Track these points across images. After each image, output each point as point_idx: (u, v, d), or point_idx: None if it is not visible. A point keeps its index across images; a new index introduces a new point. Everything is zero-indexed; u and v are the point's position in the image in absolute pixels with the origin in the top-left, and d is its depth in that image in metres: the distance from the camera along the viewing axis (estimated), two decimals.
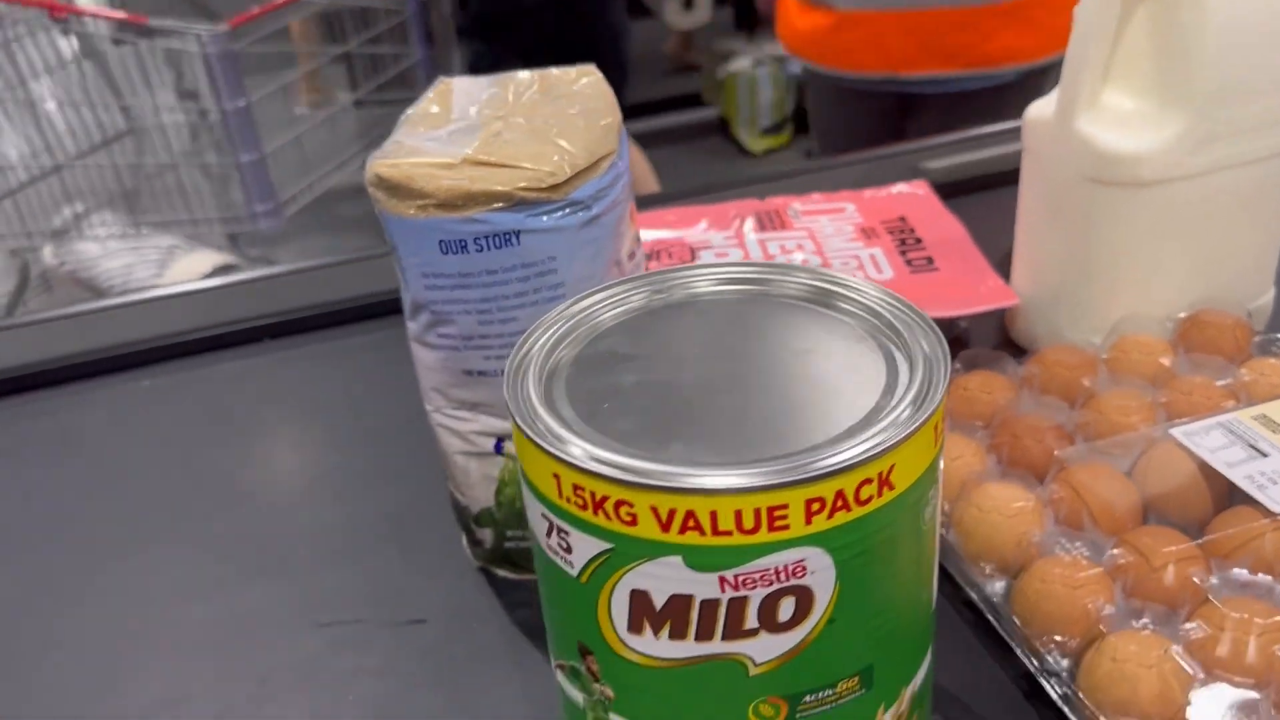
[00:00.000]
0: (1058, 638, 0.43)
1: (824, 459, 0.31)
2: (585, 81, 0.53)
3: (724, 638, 0.34)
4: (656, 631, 0.34)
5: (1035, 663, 0.43)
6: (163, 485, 0.64)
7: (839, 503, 0.32)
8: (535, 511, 0.36)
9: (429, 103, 0.53)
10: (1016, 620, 0.44)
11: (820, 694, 0.35)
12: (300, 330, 0.79)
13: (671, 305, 0.41)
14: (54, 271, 1.71)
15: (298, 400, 0.73)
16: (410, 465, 0.63)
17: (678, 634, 0.34)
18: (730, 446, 0.33)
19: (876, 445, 0.32)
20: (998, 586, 0.46)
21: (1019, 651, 0.44)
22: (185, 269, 1.47)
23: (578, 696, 0.39)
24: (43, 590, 0.57)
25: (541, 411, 0.35)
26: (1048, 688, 0.42)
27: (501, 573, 0.55)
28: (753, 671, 0.34)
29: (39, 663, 0.52)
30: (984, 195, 0.88)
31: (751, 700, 0.35)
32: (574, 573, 0.35)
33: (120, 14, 1.78)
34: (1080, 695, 0.41)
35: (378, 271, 0.77)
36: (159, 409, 0.72)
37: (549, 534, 0.36)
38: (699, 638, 0.34)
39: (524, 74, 0.54)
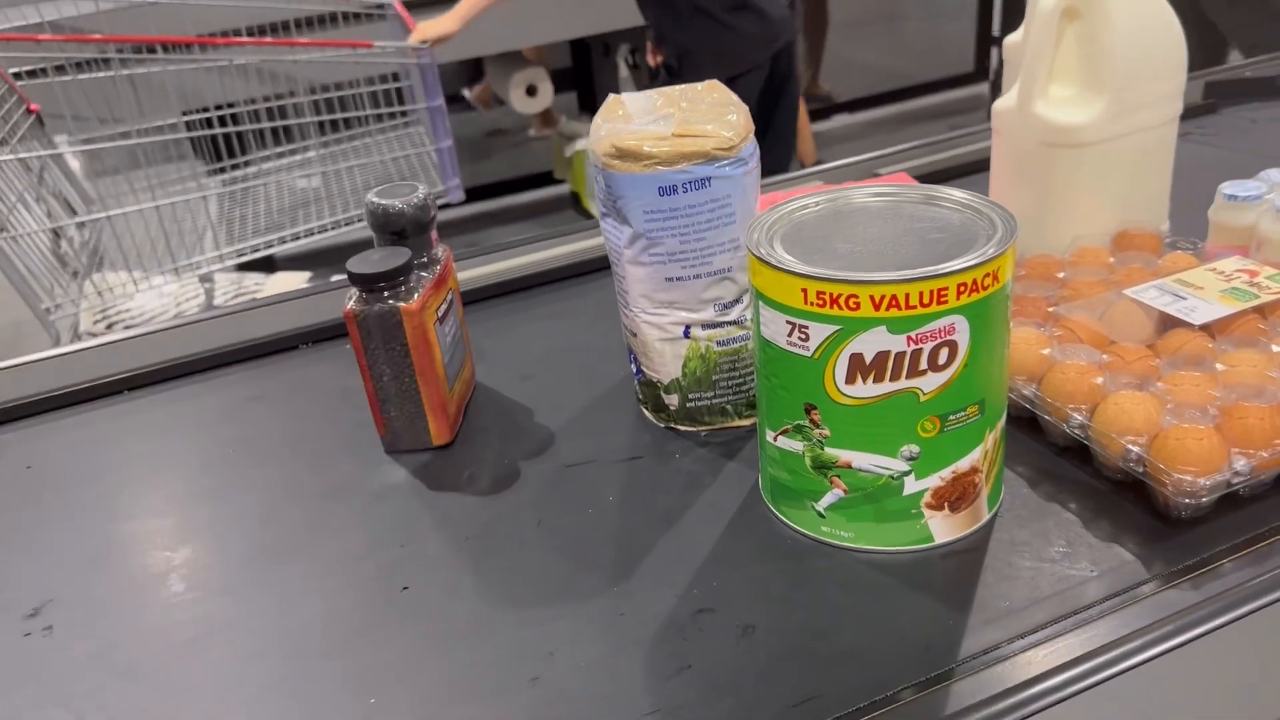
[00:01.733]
0: (1075, 406, 0.68)
1: (965, 262, 0.56)
2: (715, 94, 0.78)
3: (906, 377, 0.58)
4: (865, 380, 0.58)
5: (1064, 424, 0.68)
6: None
7: (972, 286, 0.56)
8: (777, 322, 0.60)
9: (611, 107, 0.77)
10: (1047, 400, 0.69)
11: (958, 414, 0.60)
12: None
13: (840, 208, 0.65)
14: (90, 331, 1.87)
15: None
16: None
17: (878, 379, 0.58)
18: (907, 265, 0.58)
19: (989, 255, 0.57)
20: (1029, 391, 0.71)
21: (1050, 421, 0.69)
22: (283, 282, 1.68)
23: (798, 446, 0.63)
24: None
25: (785, 255, 0.59)
26: (1070, 431, 0.67)
27: (683, 428, 0.78)
28: (922, 399, 0.59)
29: None
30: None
31: (919, 419, 0.59)
32: (809, 354, 0.59)
33: (346, 41, 2.17)
34: (1094, 433, 0.66)
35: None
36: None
37: (790, 334, 0.59)
38: (891, 379, 0.58)
39: (670, 88, 0.79)
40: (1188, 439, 0.62)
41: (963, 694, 0.52)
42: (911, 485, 0.61)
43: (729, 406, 0.77)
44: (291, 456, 0.80)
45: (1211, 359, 0.69)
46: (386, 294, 0.74)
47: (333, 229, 2.14)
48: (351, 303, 0.74)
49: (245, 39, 2.34)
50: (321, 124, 2.35)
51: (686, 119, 0.72)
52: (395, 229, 0.78)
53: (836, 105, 4.17)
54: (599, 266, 1.06)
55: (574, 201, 3.68)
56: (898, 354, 0.57)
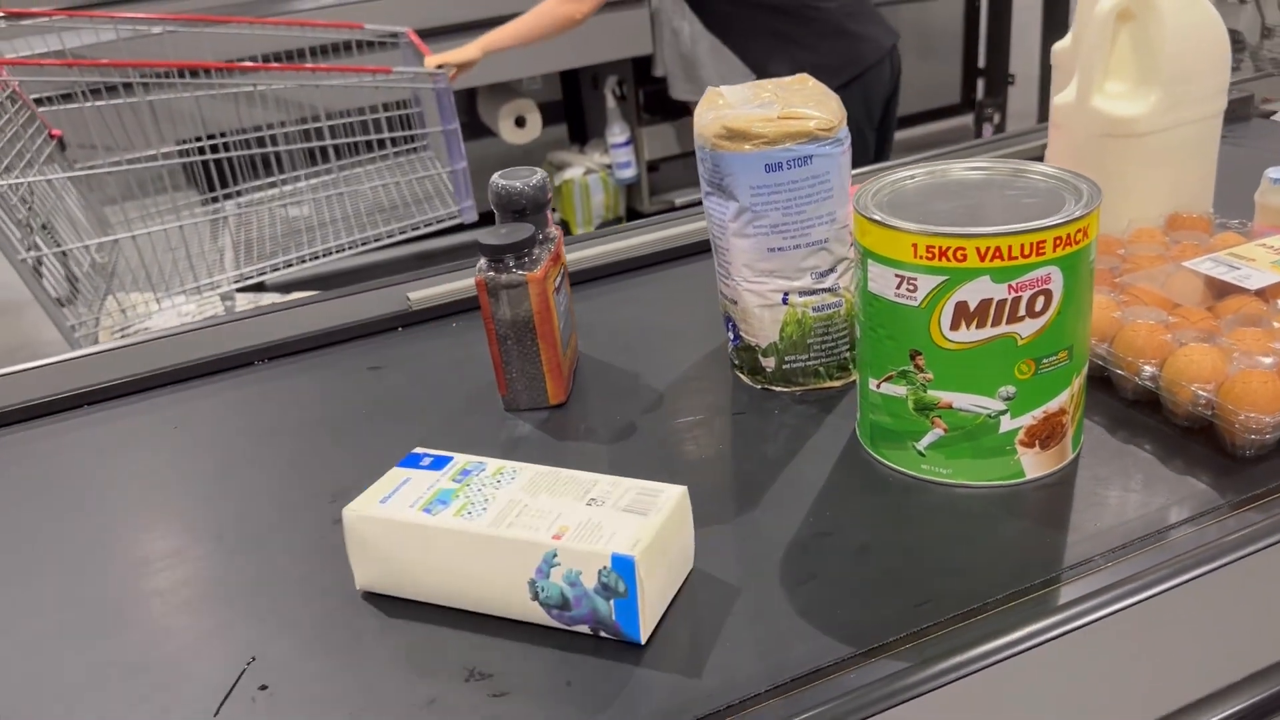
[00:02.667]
0: (1145, 360, 0.75)
1: (1060, 218, 0.64)
2: (808, 84, 0.86)
3: (1006, 323, 0.65)
4: (968, 326, 0.65)
5: (1135, 377, 0.75)
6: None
7: (1066, 240, 0.64)
8: (885, 276, 0.67)
9: (710, 99, 0.85)
10: (1120, 356, 0.76)
11: (1050, 358, 0.67)
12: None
13: (937, 179, 0.73)
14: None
15: None
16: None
17: (980, 325, 0.65)
18: (1005, 223, 0.65)
19: (1079, 213, 0.64)
20: (1101, 349, 0.79)
21: (1121, 375, 0.76)
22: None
23: (901, 391, 0.70)
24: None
25: (893, 218, 0.66)
26: (1141, 383, 0.74)
27: (778, 388, 0.85)
28: (1019, 343, 0.66)
29: None
30: None
31: (1016, 362, 0.66)
32: (916, 304, 0.66)
33: (367, 68, 2.27)
34: (1164, 382, 0.73)
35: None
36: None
37: (899, 286, 0.67)
38: (993, 324, 0.65)
39: (761, 82, 0.86)
40: (1253, 382, 0.69)
41: (1071, 593, 0.59)
42: (1007, 424, 0.68)
43: (821, 368, 0.84)
44: (423, 416, 0.87)
45: (1268, 318, 0.77)
46: (512, 264, 0.81)
47: (349, 249, 2.22)
48: (482, 271, 0.82)
49: (272, 64, 2.44)
50: (337, 149, 2.45)
51: (788, 103, 0.80)
52: (516, 207, 0.85)
53: None
54: (677, 255, 1.14)
55: (564, 229, 3.78)
56: (999, 301, 0.65)
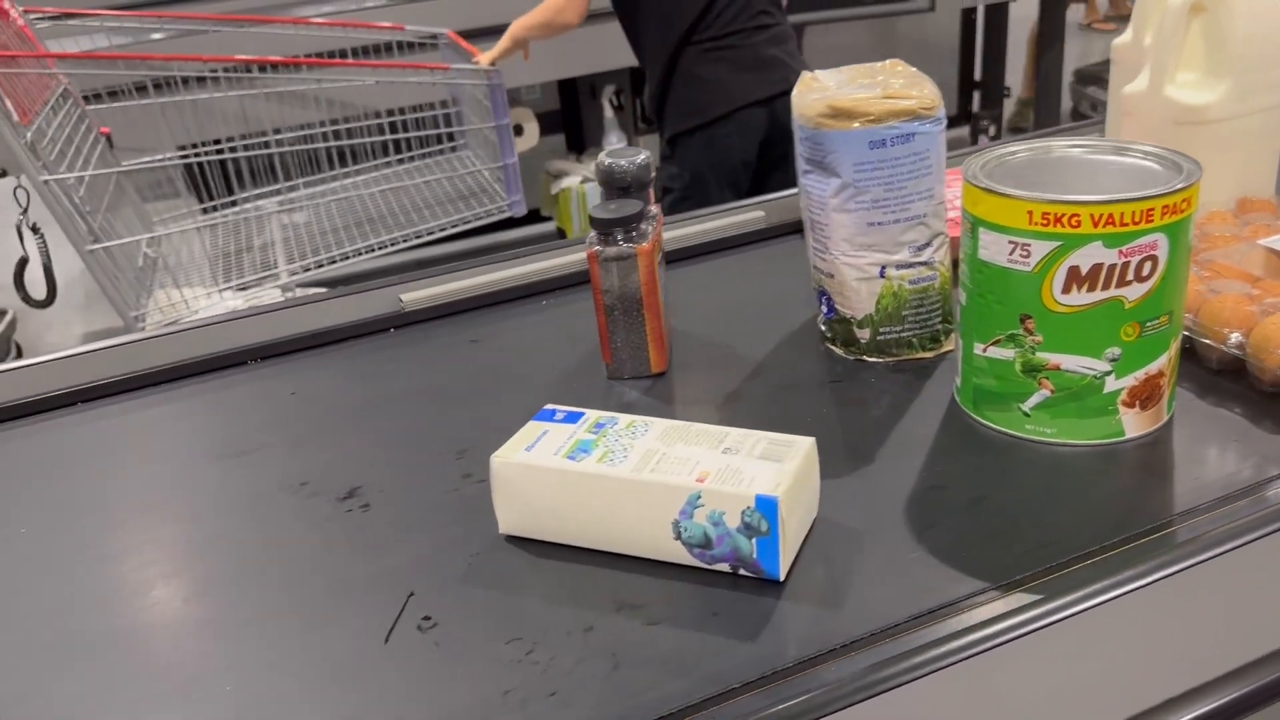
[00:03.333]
0: (1231, 330, 0.79)
1: (1166, 188, 0.68)
2: (901, 66, 0.90)
3: (1115, 286, 0.69)
4: (1079, 289, 0.69)
5: (1221, 345, 0.79)
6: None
7: (1172, 209, 0.68)
8: (998, 243, 0.71)
9: (806, 82, 0.89)
10: (1205, 326, 0.80)
11: (1153, 321, 0.71)
12: None
13: (1040, 155, 0.77)
14: None
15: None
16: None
17: (1090, 288, 0.69)
18: (1112, 193, 0.69)
19: (1182, 185, 0.68)
20: (1188, 319, 0.83)
21: (1206, 344, 0.80)
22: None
23: (1009, 354, 0.74)
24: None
25: (1003, 188, 0.70)
26: (1228, 350, 0.78)
27: (871, 359, 0.89)
28: (1126, 306, 0.70)
29: None
30: None
31: (1122, 324, 0.70)
32: (1029, 269, 0.70)
33: (424, 64, 2.39)
34: (1251, 349, 0.77)
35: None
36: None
37: (1012, 252, 0.71)
38: (1103, 288, 0.69)
39: (854, 66, 0.91)
40: None
41: (1185, 534, 0.63)
42: (1111, 384, 0.72)
43: (915, 340, 0.88)
44: (529, 384, 0.91)
45: None
46: (620, 238, 0.85)
47: (403, 243, 2.27)
48: (592, 244, 0.86)
49: (337, 60, 2.49)
50: (379, 146, 2.50)
51: (889, 84, 0.84)
52: (622, 185, 0.89)
53: None
54: (754, 240, 1.18)
55: (560, 236, 3.82)
56: (1109, 266, 0.69)
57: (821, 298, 0.91)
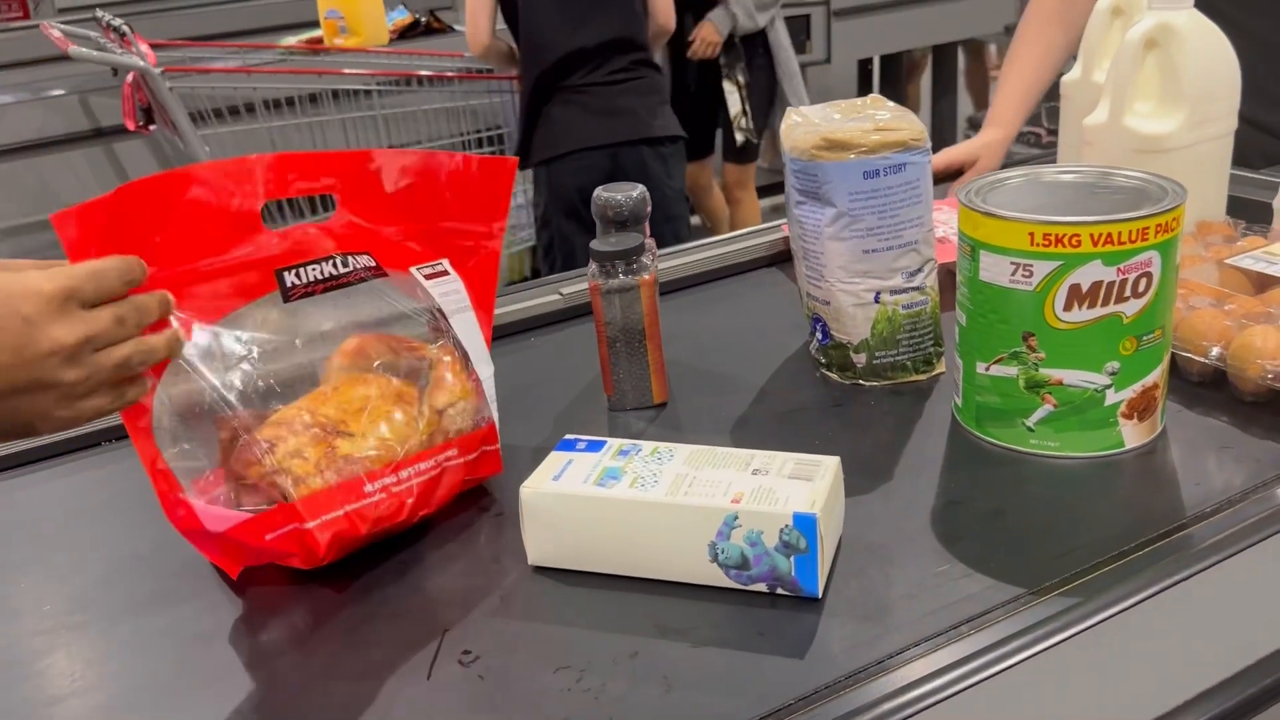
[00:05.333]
0: (1210, 343, 0.83)
1: (1158, 208, 0.71)
2: (884, 102, 0.93)
3: (1114, 303, 0.72)
4: (1080, 306, 0.72)
5: (1201, 358, 0.83)
6: None
7: (1164, 227, 0.71)
8: (999, 265, 0.74)
9: (791, 116, 0.91)
10: (1186, 340, 0.84)
11: (1149, 335, 0.74)
12: None
13: (1033, 180, 0.80)
14: None
15: None
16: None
17: (1091, 305, 0.72)
18: (1110, 213, 0.72)
19: (1172, 205, 0.72)
20: None
21: (1187, 357, 0.84)
22: None
23: (1012, 371, 0.76)
24: None
25: (1005, 211, 0.73)
26: (1208, 362, 0.82)
27: (868, 383, 0.91)
28: (1124, 321, 0.73)
29: None
30: None
31: (1121, 339, 0.73)
32: (1031, 288, 0.73)
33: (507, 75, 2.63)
34: (1231, 360, 0.81)
35: None
36: None
37: (1014, 273, 0.73)
38: (1102, 305, 0.72)
39: (836, 103, 0.94)
40: None
41: (1205, 534, 0.66)
42: (1111, 397, 0.75)
43: (909, 363, 0.91)
44: (536, 415, 0.90)
45: None
46: (622, 270, 0.86)
47: None
48: (594, 277, 0.87)
49: (450, 73, 2.86)
50: None
51: (873, 119, 0.87)
52: (620, 219, 0.91)
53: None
54: (736, 271, 1.20)
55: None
56: (1109, 283, 0.72)
57: (816, 324, 0.93)
